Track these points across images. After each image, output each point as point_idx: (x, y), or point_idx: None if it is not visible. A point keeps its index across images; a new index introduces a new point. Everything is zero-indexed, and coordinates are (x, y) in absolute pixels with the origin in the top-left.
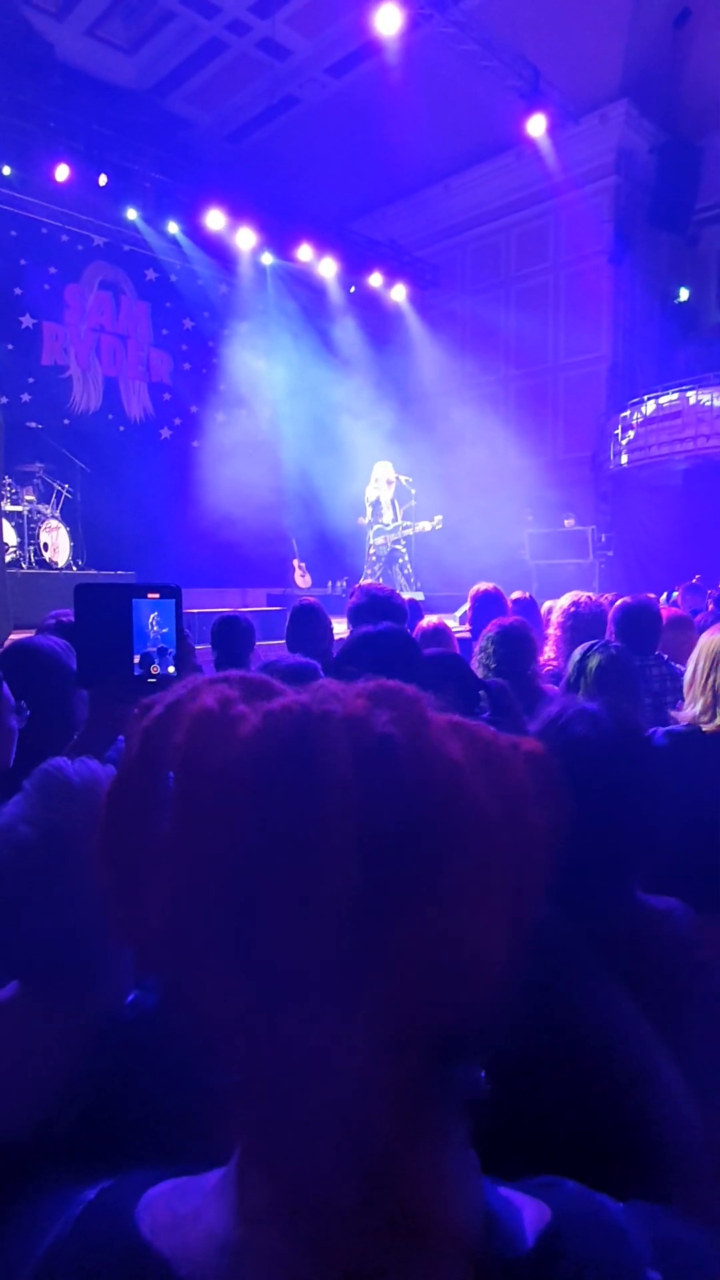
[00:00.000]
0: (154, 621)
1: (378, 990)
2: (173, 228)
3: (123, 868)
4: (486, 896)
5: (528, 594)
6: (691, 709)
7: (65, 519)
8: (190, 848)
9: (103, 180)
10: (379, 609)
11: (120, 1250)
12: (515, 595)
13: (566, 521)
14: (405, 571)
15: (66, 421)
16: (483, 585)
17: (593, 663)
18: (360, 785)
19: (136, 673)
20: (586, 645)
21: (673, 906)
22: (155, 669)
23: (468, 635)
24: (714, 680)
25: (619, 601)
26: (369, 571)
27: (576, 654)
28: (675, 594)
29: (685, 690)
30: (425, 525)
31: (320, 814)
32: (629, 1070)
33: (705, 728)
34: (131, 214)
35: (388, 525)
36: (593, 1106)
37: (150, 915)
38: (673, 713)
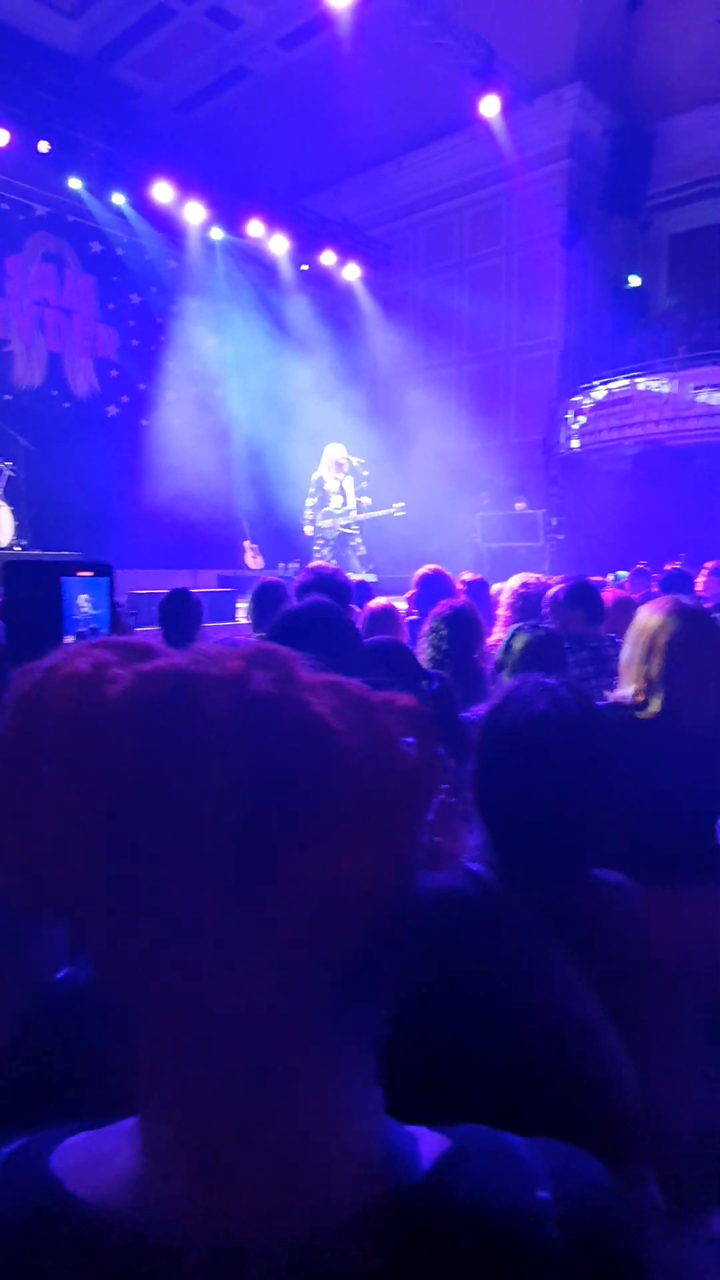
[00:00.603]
0: (85, 601)
1: (269, 926)
2: (118, 199)
3: (10, 829)
4: (362, 832)
5: (479, 575)
6: (624, 690)
7: (8, 498)
8: (68, 808)
9: (44, 147)
10: (324, 587)
11: (32, 1191)
12: (466, 576)
13: (517, 505)
14: (359, 554)
15: (9, 397)
16: (427, 568)
17: (519, 642)
18: (233, 739)
19: None
20: (515, 625)
21: (622, 881)
22: None
23: (416, 618)
24: (649, 669)
25: (555, 588)
26: (319, 555)
27: (506, 634)
28: (623, 574)
29: (621, 668)
30: (384, 512)
31: (193, 767)
32: (575, 1042)
33: (639, 715)
34: (75, 184)
35: (336, 510)
36: (536, 1077)
37: (41, 870)
38: (606, 692)
